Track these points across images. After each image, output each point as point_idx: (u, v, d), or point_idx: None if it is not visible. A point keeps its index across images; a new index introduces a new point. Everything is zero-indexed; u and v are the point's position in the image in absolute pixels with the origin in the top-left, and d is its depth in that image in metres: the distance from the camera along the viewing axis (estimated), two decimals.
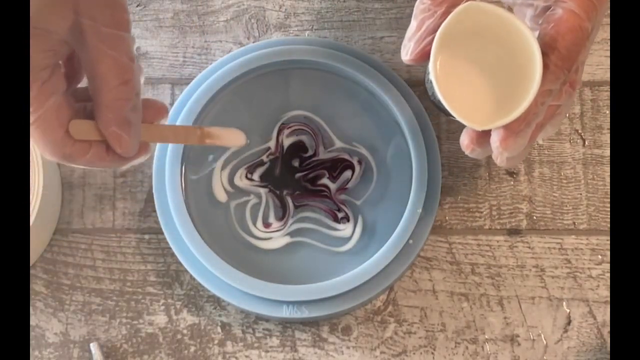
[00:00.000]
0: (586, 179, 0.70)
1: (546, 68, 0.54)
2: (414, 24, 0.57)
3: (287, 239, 0.67)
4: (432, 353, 0.67)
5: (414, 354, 0.67)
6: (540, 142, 0.71)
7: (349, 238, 0.67)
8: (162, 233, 0.67)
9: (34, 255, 0.68)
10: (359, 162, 0.68)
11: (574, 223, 0.69)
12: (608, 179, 0.70)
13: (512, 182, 0.70)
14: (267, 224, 0.68)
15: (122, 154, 0.54)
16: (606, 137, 0.71)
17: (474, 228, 0.69)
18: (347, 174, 0.68)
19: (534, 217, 0.69)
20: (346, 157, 0.69)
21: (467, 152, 0.57)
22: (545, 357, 0.67)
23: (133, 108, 0.53)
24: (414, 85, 0.70)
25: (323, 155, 0.69)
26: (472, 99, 0.56)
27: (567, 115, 0.71)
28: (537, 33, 0.56)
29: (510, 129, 0.55)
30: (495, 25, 0.55)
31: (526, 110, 0.54)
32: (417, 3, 0.56)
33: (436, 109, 0.60)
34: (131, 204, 0.70)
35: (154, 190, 0.67)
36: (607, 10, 0.56)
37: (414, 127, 0.68)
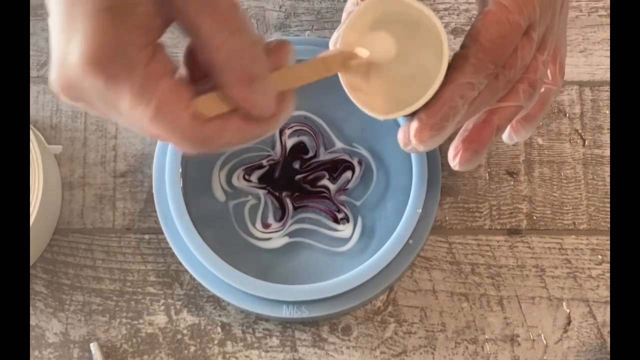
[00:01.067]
0: (586, 179, 0.70)
1: (465, 60, 0.51)
2: (343, 16, 0.55)
3: (287, 240, 0.67)
4: (432, 353, 0.67)
5: (414, 354, 0.67)
6: (541, 141, 0.71)
7: (349, 239, 0.67)
8: (162, 233, 0.67)
9: (34, 255, 0.68)
10: (360, 162, 0.68)
11: (574, 223, 0.69)
12: (608, 179, 0.70)
13: (512, 182, 0.70)
14: (266, 225, 0.68)
15: (261, 115, 0.45)
16: (606, 137, 0.71)
17: (474, 228, 0.69)
18: (348, 174, 0.68)
19: (534, 217, 0.69)
20: (346, 157, 0.69)
21: (403, 148, 0.55)
22: (545, 357, 0.67)
23: (252, 59, 0.44)
24: None
25: (323, 156, 0.69)
26: (382, 91, 0.54)
27: (567, 115, 0.71)
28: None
29: (422, 120, 0.52)
30: (407, 15, 0.53)
31: (440, 102, 0.51)
32: None
33: None
34: (131, 204, 0.70)
35: (154, 190, 0.67)
36: (559, 6, 0.54)
37: None
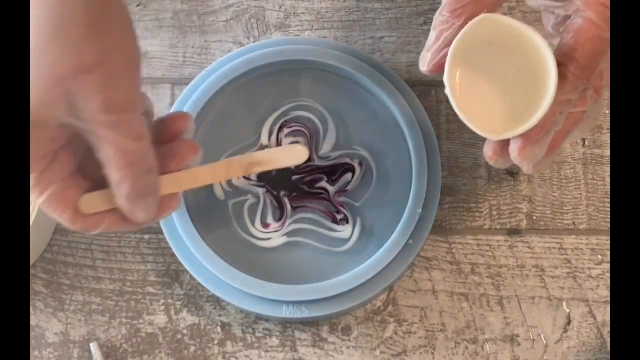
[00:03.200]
0: (586, 179, 0.70)
1: (564, 78, 0.54)
2: (432, 35, 0.57)
3: (286, 239, 0.67)
4: (432, 353, 0.67)
5: (414, 354, 0.67)
6: (568, 145, 0.71)
7: (348, 239, 0.67)
8: (162, 233, 0.67)
9: (34, 255, 0.68)
10: (360, 164, 0.68)
11: (574, 223, 0.69)
12: (608, 179, 0.70)
13: (512, 182, 0.70)
14: (265, 224, 0.68)
15: (138, 222, 0.53)
16: (606, 137, 0.71)
17: (474, 228, 0.69)
18: (348, 176, 0.68)
19: (534, 217, 0.69)
20: (347, 160, 0.68)
21: (491, 163, 0.58)
22: (545, 357, 0.67)
23: (144, 184, 0.51)
24: (414, 85, 0.70)
25: (318, 162, 0.69)
26: (488, 110, 0.57)
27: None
28: (558, 41, 0.56)
29: (528, 139, 0.55)
30: (510, 37, 0.56)
31: (543, 119, 0.54)
32: (436, 15, 0.57)
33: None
34: None
35: None
36: None
37: (414, 127, 0.68)
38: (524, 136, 0.55)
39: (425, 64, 0.57)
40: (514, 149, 0.56)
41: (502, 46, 0.56)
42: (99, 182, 0.52)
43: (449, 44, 0.56)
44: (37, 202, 0.52)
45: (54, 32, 0.47)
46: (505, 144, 0.57)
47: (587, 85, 0.55)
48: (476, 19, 0.55)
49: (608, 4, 0.54)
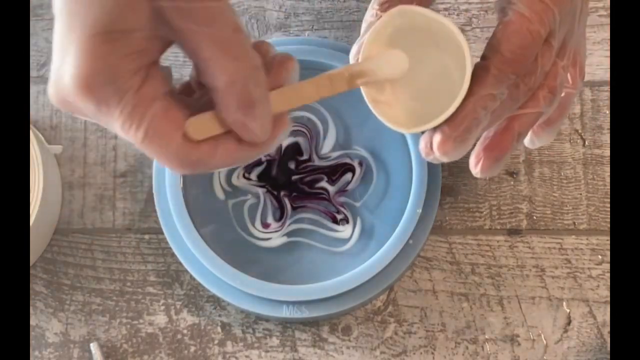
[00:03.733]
0: (586, 179, 0.70)
1: (487, 71, 0.51)
2: (362, 27, 0.55)
3: (286, 239, 0.67)
4: (432, 353, 0.67)
5: (414, 354, 0.67)
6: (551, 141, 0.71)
7: (348, 239, 0.67)
8: (162, 233, 0.67)
9: (34, 255, 0.68)
10: (360, 163, 0.68)
11: (574, 223, 0.69)
12: (608, 179, 0.70)
13: (512, 182, 0.70)
14: (265, 224, 0.68)
15: (254, 140, 0.46)
16: (606, 137, 0.71)
17: (474, 228, 0.69)
18: (348, 176, 0.68)
19: (534, 217, 0.69)
20: (347, 160, 0.68)
21: (427, 158, 0.55)
22: (545, 357, 0.67)
23: (253, 86, 0.44)
24: None
25: (318, 162, 0.69)
26: (404, 103, 0.54)
27: (568, 115, 0.71)
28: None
29: (445, 133, 0.52)
30: (428, 28, 0.53)
31: (462, 114, 0.51)
32: (368, 8, 0.55)
33: None
34: (131, 204, 0.70)
35: (154, 190, 0.67)
36: (579, 10, 0.54)
37: None
38: (442, 131, 0.52)
39: (351, 55, 0.55)
40: (434, 143, 0.52)
41: (418, 37, 0.53)
42: (199, 109, 0.45)
43: None
44: (135, 135, 0.43)
45: None
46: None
47: (515, 80, 0.52)
48: (393, 9, 0.52)
49: None
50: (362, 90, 0.53)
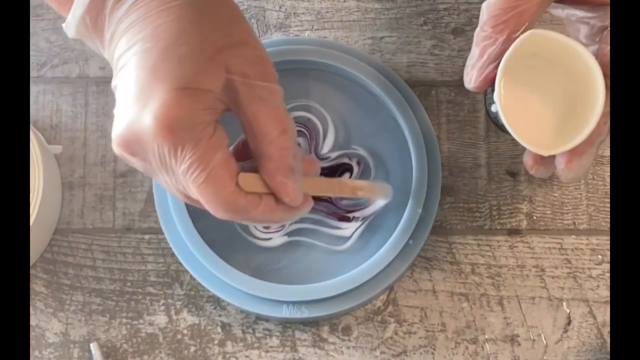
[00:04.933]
0: (586, 179, 0.70)
1: (607, 89, 0.55)
2: (475, 51, 0.57)
3: (287, 239, 0.67)
4: (432, 353, 0.67)
5: (414, 354, 0.67)
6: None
7: (349, 237, 0.67)
8: (162, 233, 0.67)
9: (34, 255, 0.68)
10: (358, 162, 0.68)
11: (574, 223, 0.69)
12: (608, 179, 0.70)
13: (512, 182, 0.70)
14: (266, 225, 0.68)
15: (290, 203, 0.54)
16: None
17: (474, 228, 0.69)
18: (346, 176, 0.68)
19: (534, 217, 0.69)
20: (345, 160, 0.68)
21: (531, 172, 0.60)
22: (545, 357, 0.67)
23: (294, 156, 0.54)
24: (414, 85, 0.70)
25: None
26: (535, 124, 0.58)
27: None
28: (592, 49, 0.58)
29: (575, 152, 0.56)
30: (557, 52, 0.56)
31: (590, 133, 0.55)
32: (477, 30, 0.57)
33: (498, 129, 0.62)
34: (131, 204, 0.70)
35: (154, 190, 0.67)
36: None
37: (414, 127, 0.68)
38: (572, 150, 0.56)
39: (471, 81, 0.58)
40: (560, 162, 0.57)
41: (547, 61, 0.57)
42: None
43: (493, 60, 0.56)
44: (198, 177, 0.50)
45: (202, 11, 0.51)
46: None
47: None
48: (525, 34, 0.55)
49: None
50: (501, 110, 0.57)
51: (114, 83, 0.52)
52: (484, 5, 0.56)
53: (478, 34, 0.57)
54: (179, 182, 0.52)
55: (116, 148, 0.51)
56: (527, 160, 0.60)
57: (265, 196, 0.53)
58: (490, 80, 0.57)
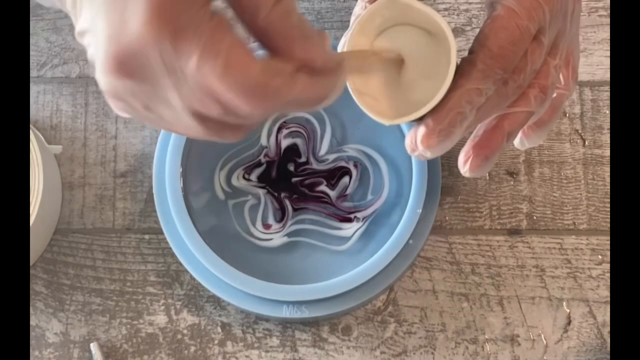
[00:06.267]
0: (586, 179, 0.70)
1: (473, 66, 0.50)
2: (351, 20, 0.55)
3: (287, 239, 0.67)
4: (432, 353, 0.67)
5: (414, 354, 0.67)
6: (541, 141, 0.71)
7: (349, 237, 0.67)
8: (162, 233, 0.67)
9: (34, 255, 0.68)
10: (355, 165, 0.68)
11: (574, 223, 0.69)
12: (608, 179, 0.70)
13: (512, 182, 0.70)
14: (267, 225, 0.68)
15: (323, 66, 0.44)
16: (606, 137, 0.71)
17: (474, 228, 0.69)
18: (345, 180, 0.68)
19: (534, 217, 0.69)
20: (342, 163, 0.68)
21: (410, 154, 0.54)
22: (545, 357, 0.67)
23: (299, 20, 0.44)
24: None
25: (317, 166, 0.68)
26: (388, 95, 0.53)
27: (567, 115, 0.71)
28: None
29: (429, 127, 0.51)
30: (415, 20, 0.53)
31: (447, 108, 0.51)
32: (357, 2, 0.55)
33: None
34: (131, 204, 0.70)
35: (154, 190, 0.67)
36: (570, 10, 0.54)
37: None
38: (426, 124, 0.51)
39: (339, 47, 0.54)
40: (418, 136, 0.52)
41: (404, 29, 0.53)
42: None
43: None
44: (216, 64, 0.41)
45: None
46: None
47: (502, 76, 0.51)
48: (380, 0, 0.52)
49: None
50: (347, 82, 0.51)
51: (80, 27, 0.44)
52: None
53: (357, 4, 0.54)
54: (194, 89, 0.42)
55: (109, 77, 0.42)
56: (406, 142, 0.53)
57: (297, 72, 0.43)
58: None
